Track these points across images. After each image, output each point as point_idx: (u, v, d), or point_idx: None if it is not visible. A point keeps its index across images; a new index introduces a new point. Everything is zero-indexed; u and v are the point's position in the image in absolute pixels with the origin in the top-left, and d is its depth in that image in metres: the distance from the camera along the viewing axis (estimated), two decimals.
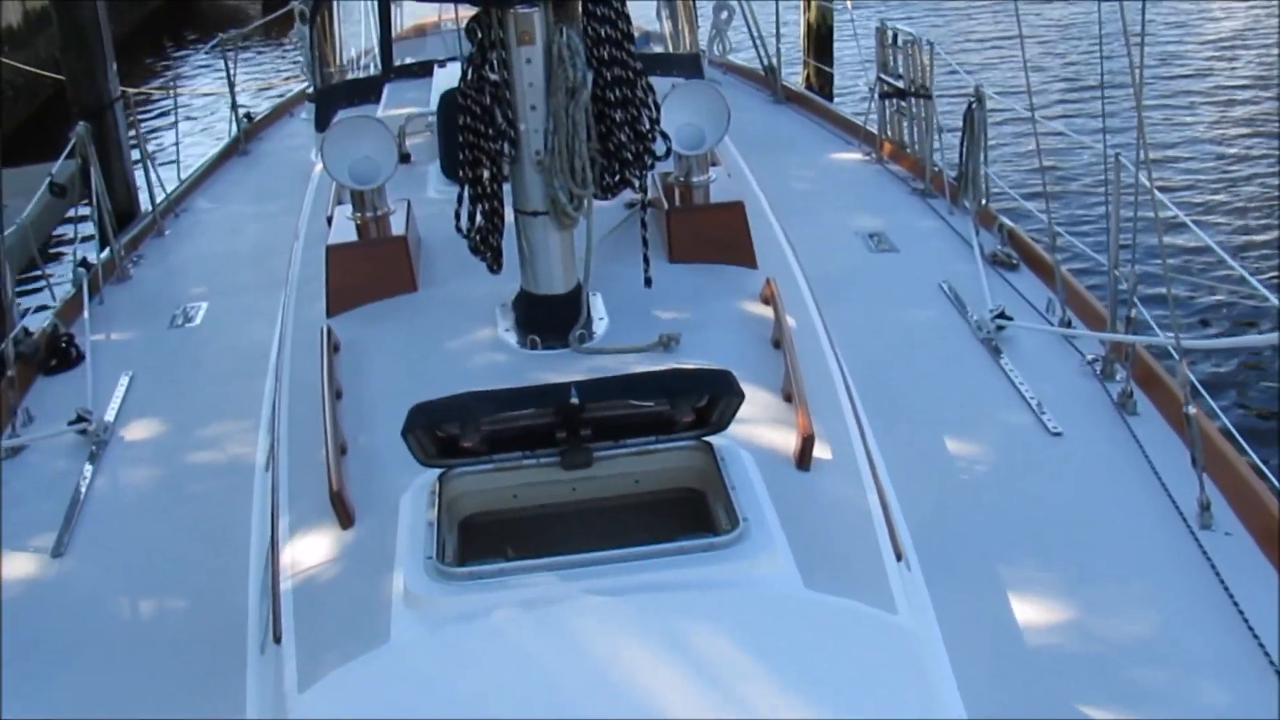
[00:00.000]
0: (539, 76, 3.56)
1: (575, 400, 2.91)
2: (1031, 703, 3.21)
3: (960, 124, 6.74)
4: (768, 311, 4.02)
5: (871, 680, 2.51)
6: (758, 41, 9.18)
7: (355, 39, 7.66)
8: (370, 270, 4.33)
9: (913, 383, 4.85)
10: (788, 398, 3.53)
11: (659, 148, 3.85)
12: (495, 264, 3.93)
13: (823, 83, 12.89)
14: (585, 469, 3.11)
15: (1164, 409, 4.54)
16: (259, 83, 15.79)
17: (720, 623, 2.55)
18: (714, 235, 4.44)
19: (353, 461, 3.38)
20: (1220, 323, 8.69)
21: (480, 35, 3.60)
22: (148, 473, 4.76)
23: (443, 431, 3.00)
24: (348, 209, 4.59)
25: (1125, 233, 4.95)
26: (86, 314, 5.99)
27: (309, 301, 4.43)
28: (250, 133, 9.28)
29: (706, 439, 3.13)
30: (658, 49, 7.20)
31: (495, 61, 3.59)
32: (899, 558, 3.10)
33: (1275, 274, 9.32)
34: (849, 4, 10.42)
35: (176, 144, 9.83)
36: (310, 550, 3.15)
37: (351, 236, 4.48)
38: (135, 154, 10.63)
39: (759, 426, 3.34)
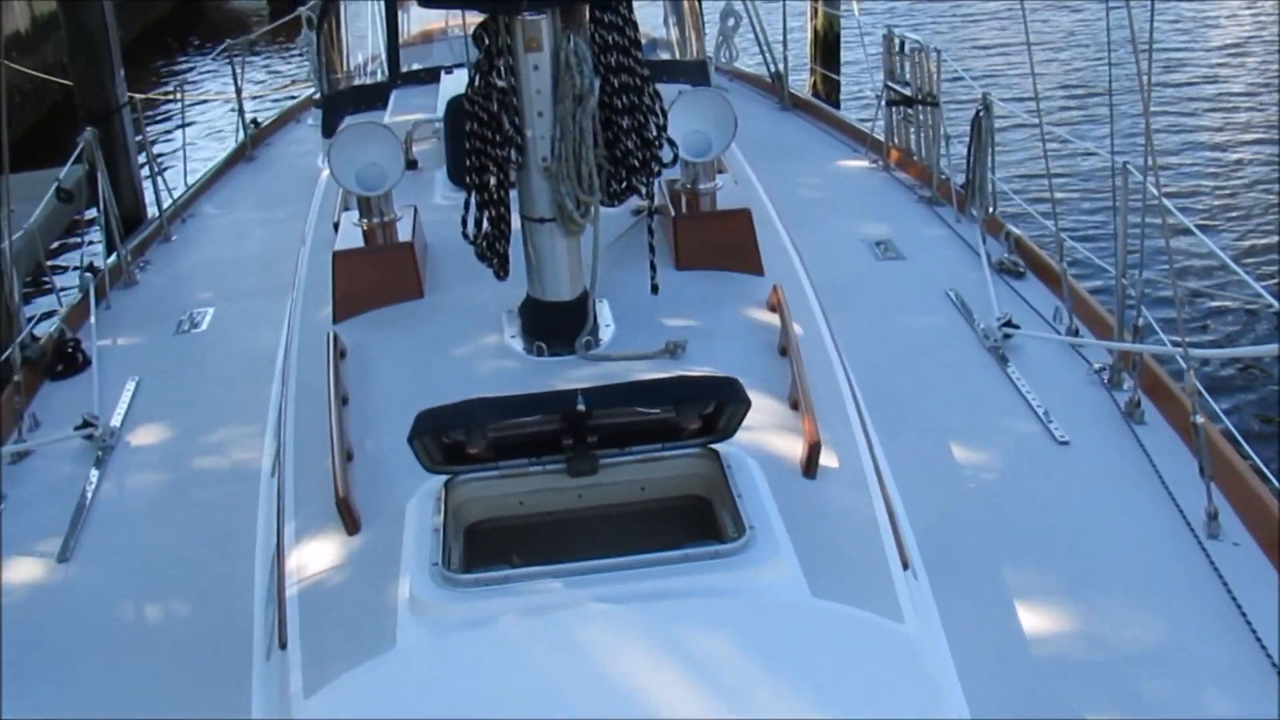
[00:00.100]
0: (546, 83, 3.56)
1: (582, 407, 2.90)
2: (1038, 712, 3.20)
3: (967, 131, 6.74)
4: (774, 319, 4.02)
5: (878, 689, 2.50)
6: (764, 48, 9.18)
7: (362, 45, 7.68)
8: (377, 276, 4.33)
9: (919, 391, 4.84)
10: (794, 405, 3.52)
11: (666, 154, 3.84)
12: (502, 270, 3.93)
13: (829, 90, 12.91)
14: (591, 476, 3.10)
15: (1171, 418, 4.53)
16: (266, 89, 15.82)
17: (726, 630, 2.54)
18: (721, 242, 4.43)
19: (359, 467, 3.38)
20: (1228, 331, 8.67)
21: (488, 41, 3.60)
22: (154, 478, 4.76)
23: (449, 438, 3.00)
24: (354, 215, 4.59)
25: (1133, 240, 4.95)
26: (93, 319, 6.00)
27: (315, 307, 4.43)
28: (257, 138, 9.29)
29: (713, 446, 3.12)
30: (665, 56, 7.22)
31: (502, 68, 3.59)
32: (905, 566, 3.09)
33: None
34: (856, 11, 10.44)
35: (183, 149, 9.83)
36: (316, 556, 3.14)
37: (358, 243, 4.48)
38: (142, 159, 10.62)
39: (765, 434, 3.33)
